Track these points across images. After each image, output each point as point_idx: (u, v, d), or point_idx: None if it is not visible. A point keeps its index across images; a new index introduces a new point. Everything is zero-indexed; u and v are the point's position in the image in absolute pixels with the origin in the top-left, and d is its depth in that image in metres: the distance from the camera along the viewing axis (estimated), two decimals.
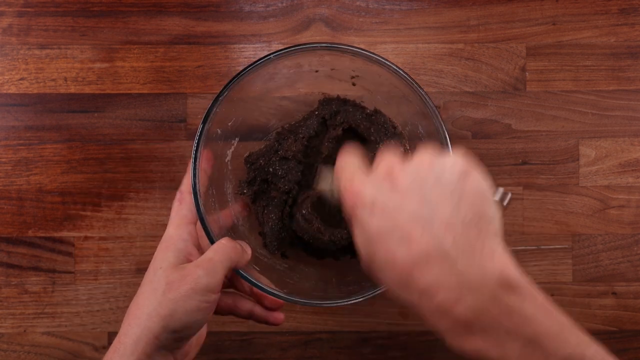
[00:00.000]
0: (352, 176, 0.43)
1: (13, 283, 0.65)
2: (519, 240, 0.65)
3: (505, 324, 0.36)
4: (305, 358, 0.66)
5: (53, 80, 0.66)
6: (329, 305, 0.54)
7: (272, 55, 0.54)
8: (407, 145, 0.61)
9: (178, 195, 0.53)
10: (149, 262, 0.66)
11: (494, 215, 0.39)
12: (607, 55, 0.66)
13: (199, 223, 0.53)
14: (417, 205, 0.39)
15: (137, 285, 0.65)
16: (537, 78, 0.66)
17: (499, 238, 0.39)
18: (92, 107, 0.66)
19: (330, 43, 0.56)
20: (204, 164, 0.55)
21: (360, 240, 0.41)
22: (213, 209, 0.57)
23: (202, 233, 0.54)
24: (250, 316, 0.55)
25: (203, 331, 0.53)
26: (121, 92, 0.66)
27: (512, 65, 0.66)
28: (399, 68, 0.54)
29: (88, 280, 0.65)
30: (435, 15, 0.66)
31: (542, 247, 0.65)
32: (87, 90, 0.66)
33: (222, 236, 0.53)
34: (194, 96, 0.66)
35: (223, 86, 0.54)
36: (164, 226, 0.65)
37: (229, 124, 0.59)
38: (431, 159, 0.41)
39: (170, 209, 0.65)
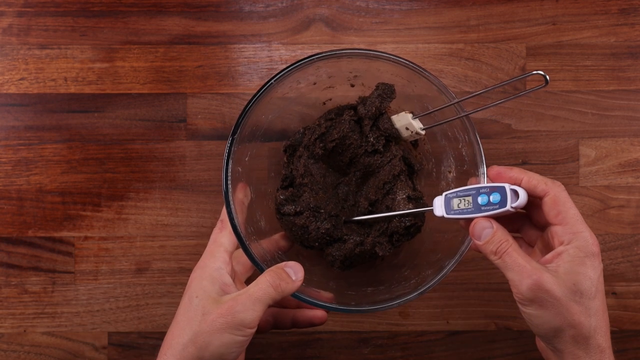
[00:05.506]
0: None
1: (13, 283, 0.65)
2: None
3: None
4: (305, 358, 0.66)
5: (53, 80, 0.66)
6: (379, 309, 0.54)
7: (272, 80, 0.53)
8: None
9: (219, 224, 0.53)
10: (148, 262, 0.66)
11: None
12: (607, 55, 0.66)
13: (236, 252, 0.52)
14: None
15: (137, 285, 0.66)
16: (537, 78, 0.66)
17: None
18: (92, 107, 0.66)
19: (331, 50, 0.55)
20: (241, 195, 0.54)
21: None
22: (253, 235, 0.56)
23: (237, 259, 0.53)
24: (293, 325, 0.55)
25: (242, 357, 0.52)
26: (121, 92, 0.66)
27: (512, 65, 0.66)
28: (400, 57, 0.54)
29: (88, 280, 0.65)
30: (435, 15, 0.66)
31: None
32: (87, 90, 0.66)
33: (271, 256, 0.54)
34: (193, 96, 0.66)
35: (244, 106, 0.54)
36: (164, 226, 0.65)
37: (249, 133, 0.60)
38: None
39: (170, 209, 0.65)
